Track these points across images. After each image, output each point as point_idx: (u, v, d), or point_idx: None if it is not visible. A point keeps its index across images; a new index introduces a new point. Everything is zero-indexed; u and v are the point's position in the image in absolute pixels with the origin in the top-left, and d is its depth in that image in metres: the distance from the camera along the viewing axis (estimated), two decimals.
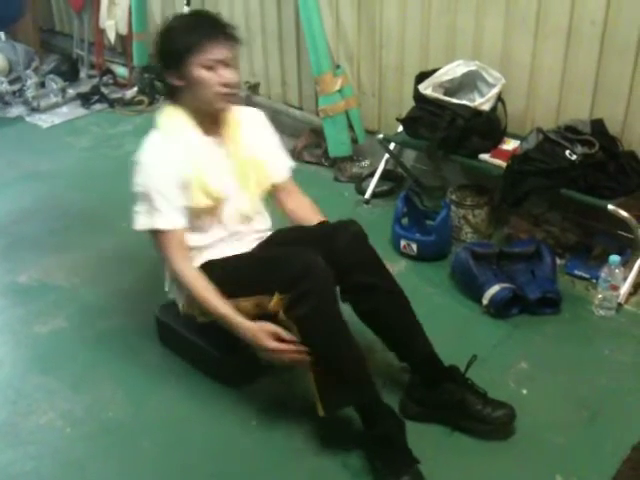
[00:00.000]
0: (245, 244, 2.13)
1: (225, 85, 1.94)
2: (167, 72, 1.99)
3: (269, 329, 1.86)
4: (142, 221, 1.99)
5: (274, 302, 1.84)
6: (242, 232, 2.13)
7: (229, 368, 2.14)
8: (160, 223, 1.96)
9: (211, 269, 2.03)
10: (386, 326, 1.99)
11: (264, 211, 2.21)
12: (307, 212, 2.20)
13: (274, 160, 2.19)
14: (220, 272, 2.01)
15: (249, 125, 2.14)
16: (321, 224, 2.10)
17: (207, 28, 1.94)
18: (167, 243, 1.98)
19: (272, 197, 2.21)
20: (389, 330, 2.00)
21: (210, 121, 2.03)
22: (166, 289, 2.19)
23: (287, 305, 1.82)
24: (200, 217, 2.04)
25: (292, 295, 1.81)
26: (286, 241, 2.10)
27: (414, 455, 1.80)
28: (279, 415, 2.02)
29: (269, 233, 2.21)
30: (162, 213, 1.95)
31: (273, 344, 1.85)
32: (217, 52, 1.91)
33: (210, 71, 1.92)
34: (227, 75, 1.93)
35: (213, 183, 2.00)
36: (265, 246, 2.15)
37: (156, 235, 1.99)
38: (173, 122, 2.01)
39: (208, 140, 2.03)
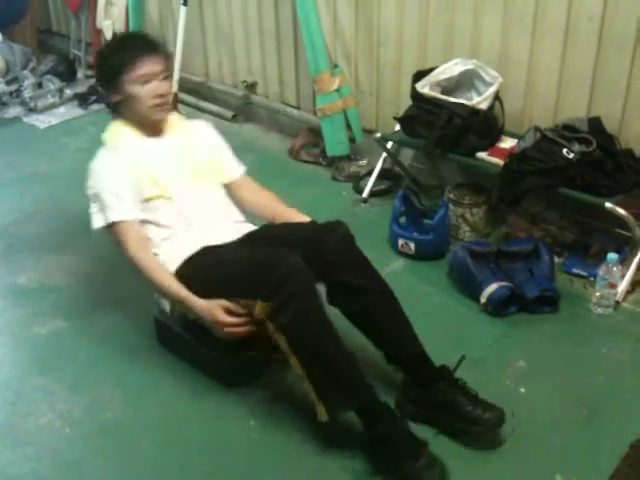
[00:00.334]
0: (219, 232, 2.15)
1: (158, 96, 2.11)
2: (106, 90, 2.21)
3: (222, 304, 1.92)
4: (97, 219, 2.12)
5: (258, 310, 1.84)
6: (206, 223, 2.15)
7: (228, 368, 2.14)
8: (113, 216, 2.07)
9: (195, 266, 2.06)
10: (376, 327, 1.99)
11: (229, 202, 2.28)
12: (269, 202, 2.27)
13: (226, 161, 2.33)
14: (204, 270, 2.04)
15: (198, 133, 2.31)
16: (309, 224, 2.12)
17: (137, 47, 2.13)
18: (122, 234, 2.08)
19: (230, 195, 2.30)
20: (379, 331, 1.99)
21: (153, 128, 2.19)
22: (155, 294, 2.21)
23: (270, 312, 1.82)
24: (157, 209, 2.12)
25: (275, 302, 1.81)
26: (272, 240, 2.09)
27: (420, 439, 1.80)
28: (278, 415, 2.02)
29: (249, 225, 2.23)
30: (113, 208, 2.08)
31: (228, 319, 1.91)
32: (148, 67, 2.09)
33: (143, 85, 2.09)
34: (159, 87, 2.11)
35: (160, 173, 2.14)
36: (249, 241, 2.15)
37: (112, 229, 2.09)
38: (117, 135, 2.19)
39: (153, 141, 2.19)
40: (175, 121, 2.26)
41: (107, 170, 2.14)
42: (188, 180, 2.18)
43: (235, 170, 2.33)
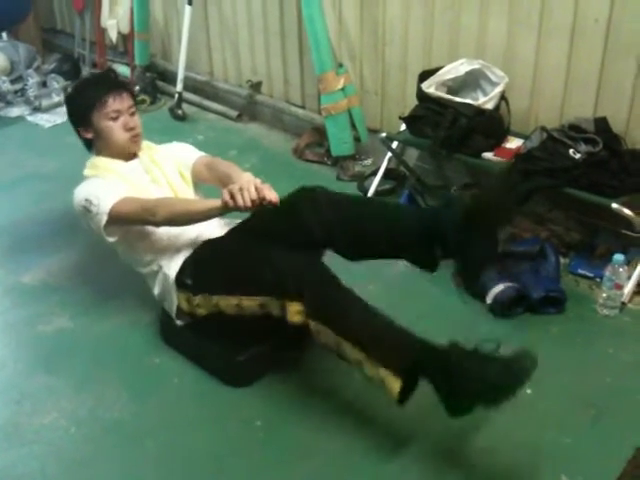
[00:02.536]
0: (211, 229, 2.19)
1: (129, 129, 2.28)
2: (78, 129, 2.34)
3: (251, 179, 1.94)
4: (101, 218, 2.13)
5: (294, 313, 1.86)
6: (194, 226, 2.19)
7: (233, 368, 2.14)
8: (107, 206, 2.11)
9: (199, 265, 2.11)
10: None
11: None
12: (222, 168, 2.27)
13: (183, 154, 2.42)
14: (208, 268, 2.08)
15: (164, 148, 2.44)
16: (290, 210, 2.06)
17: (105, 86, 2.30)
18: (122, 212, 2.12)
19: (201, 181, 2.37)
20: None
21: (126, 156, 2.33)
22: (155, 292, 2.25)
23: (308, 311, 1.84)
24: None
25: (308, 297, 1.83)
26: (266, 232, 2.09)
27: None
28: (283, 415, 2.02)
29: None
30: (104, 199, 2.13)
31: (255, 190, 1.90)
32: (117, 104, 2.26)
33: (114, 121, 2.26)
34: (130, 121, 2.28)
35: (138, 182, 2.26)
36: (243, 233, 2.15)
37: (113, 217, 2.12)
38: (96, 166, 2.31)
39: (130, 163, 2.32)
40: (145, 146, 2.39)
41: (89, 181, 2.27)
42: (166, 189, 2.27)
43: (191, 155, 2.40)
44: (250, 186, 1.89)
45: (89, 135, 2.32)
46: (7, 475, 1.87)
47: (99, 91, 2.28)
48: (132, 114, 2.31)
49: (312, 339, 1.88)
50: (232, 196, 1.89)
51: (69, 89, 2.45)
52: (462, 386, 1.66)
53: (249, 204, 1.87)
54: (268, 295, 1.91)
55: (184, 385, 2.16)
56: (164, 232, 2.18)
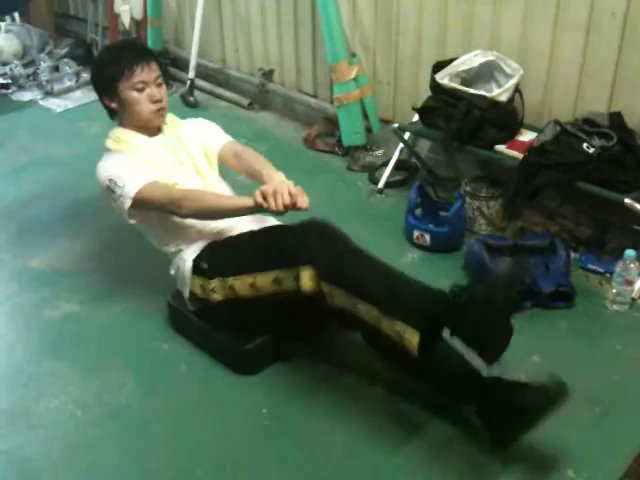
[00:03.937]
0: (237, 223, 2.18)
1: (155, 102, 2.20)
2: (103, 97, 2.27)
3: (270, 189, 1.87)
4: (125, 201, 2.10)
5: (307, 279, 1.86)
6: None
7: (241, 355, 2.13)
8: (132, 190, 2.08)
9: (215, 250, 2.11)
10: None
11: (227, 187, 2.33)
12: (252, 162, 2.24)
13: (210, 136, 2.37)
14: (224, 252, 2.09)
15: (187, 124, 2.39)
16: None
17: (133, 55, 2.20)
18: (149, 198, 2.09)
19: (225, 166, 2.35)
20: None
21: (151, 130, 2.27)
22: (172, 272, 2.24)
23: (323, 273, 1.84)
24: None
25: (321, 261, 1.84)
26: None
27: None
28: (290, 403, 2.02)
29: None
30: (130, 183, 2.09)
31: (289, 193, 1.88)
32: (144, 74, 2.18)
33: (140, 92, 2.18)
34: (156, 93, 2.20)
35: (163, 163, 2.20)
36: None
37: (138, 202, 2.09)
38: (119, 141, 2.24)
39: (153, 139, 2.26)
40: (170, 120, 2.33)
41: (114, 159, 2.21)
42: (191, 170, 2.24)
43: (219, 139, 2.36)
44: (284, 190, 1.86)
45: (113, 105, 2.24)
46: (14, 458, 1.88)
47: (127, 59, 2.18)
48: (159, 85, 2.22)
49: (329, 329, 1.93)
50: (265, 198, 1.86)
51: (98, 57, 2.41)
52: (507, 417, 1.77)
53: (281, 209, 1.85)
54: (281, 267, 1.92)
55: (192, 372, 2.16)
56: (189, 221, 2.15)
